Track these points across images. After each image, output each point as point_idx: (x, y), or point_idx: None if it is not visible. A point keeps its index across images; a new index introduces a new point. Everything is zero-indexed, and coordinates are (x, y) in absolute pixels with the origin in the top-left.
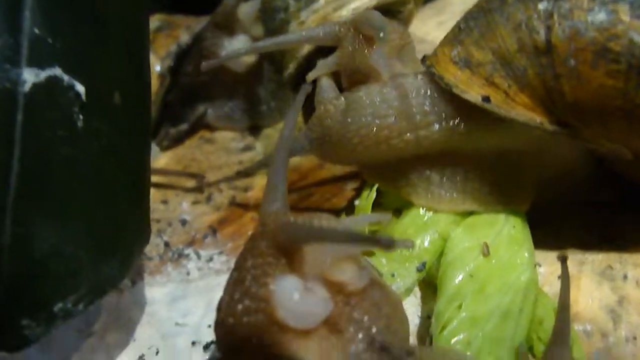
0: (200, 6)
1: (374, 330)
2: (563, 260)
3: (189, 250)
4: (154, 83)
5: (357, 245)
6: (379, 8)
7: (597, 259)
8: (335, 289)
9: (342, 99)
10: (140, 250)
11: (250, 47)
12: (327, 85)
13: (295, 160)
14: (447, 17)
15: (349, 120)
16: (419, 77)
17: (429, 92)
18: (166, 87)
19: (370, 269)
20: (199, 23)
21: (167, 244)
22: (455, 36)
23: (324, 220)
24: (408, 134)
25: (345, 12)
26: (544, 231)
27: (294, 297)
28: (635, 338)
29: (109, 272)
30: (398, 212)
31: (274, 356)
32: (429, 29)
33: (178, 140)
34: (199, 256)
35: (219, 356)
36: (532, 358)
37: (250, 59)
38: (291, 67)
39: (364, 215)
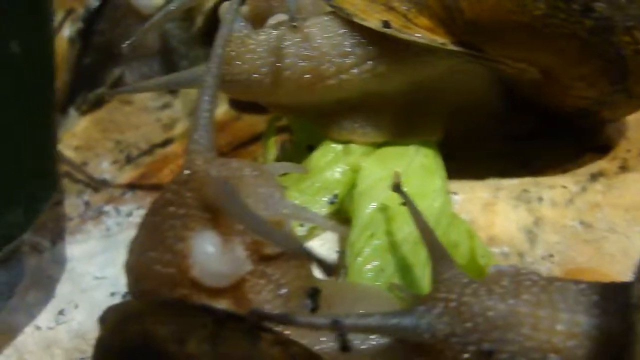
0: None
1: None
2: (396, 188)
3: (108, 208)
4: (64, 47)
5: (270, 240)
6: None
7: (513, 184)
8: (254, 248)
9: (262, 36)
10: (47, 197)
11: (159, 15)
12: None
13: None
14: None
15: (269, 62)
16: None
17: (339, 31)
18: (78, 50)
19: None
20: None
21: (87, 204)
22: None
23: (250, 170)
24: (330, 79)
25: None
26: (460, 161)
27: (211, 255)
28: (551, 255)
29: (13, 219)
30: (310, 148)
31: None
32: None
33: (96, 104)
34: (118, 212)
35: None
36: None
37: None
38: (199, 21)
39: (284, 165)
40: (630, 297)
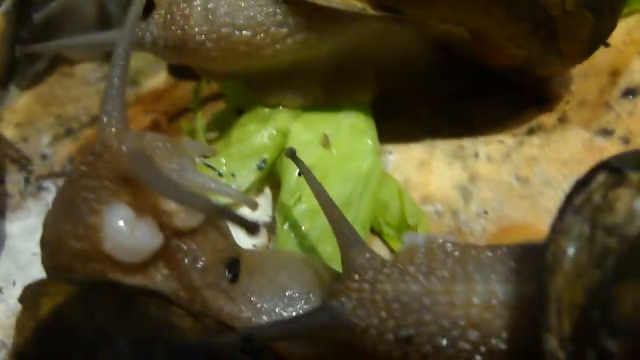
0: None
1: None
2: (291, 154)
3: (47, 183)
4: (0, 22)
5: (189, 205)
6: None
7: (448, 141)
8: (168, 222)
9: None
10: None
11: None
12: None
13: (151, 81)
14: None
15: (204, 30)
16: None
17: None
18: (14, 24)
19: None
20: None
21: (27, 180)
22: None
23: (163, 143)
24: (265, 49)
25: None
26: (396, 121)
27: (123, 230)
28: (486, 212)
29: None
30: (239, 111)
31: None
32: None
33: (37, 79)
34: (57, 187)
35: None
36: (382, 242)
37: None
38: None
39: (196, 144)
40: (544, 259)
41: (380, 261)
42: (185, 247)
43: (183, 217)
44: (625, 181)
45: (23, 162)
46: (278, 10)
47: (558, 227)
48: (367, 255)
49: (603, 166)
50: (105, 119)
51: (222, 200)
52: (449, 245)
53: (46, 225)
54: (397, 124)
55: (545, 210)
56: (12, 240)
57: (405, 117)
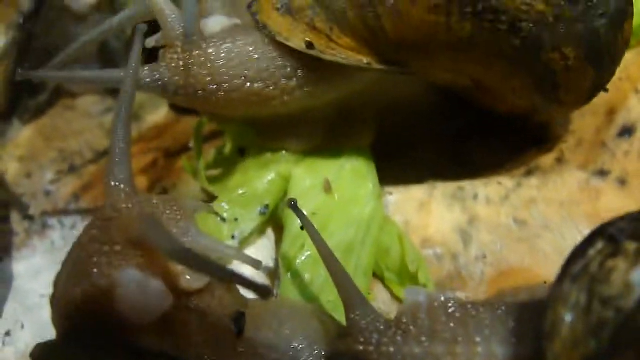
0: None
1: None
2: (293, 206)
3: (52, 221)
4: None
5: (202, 271)
6: None
7: (447, 183)
8: (176, 284)
9: (210, 48)
10: None
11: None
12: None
13: (152, 116)
14: None
15: (216, 80)
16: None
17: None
18: (15, 58)
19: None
20: None
21: (31, 218)
22: None
23: (170, 206)
24: (274, 100)
25: None
26: (395, 162)
27: (134, 292)
28: (485, 256)
29: None
30: (241, 151)
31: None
32: None
33: (39, 112)
34: (62, 225)
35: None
36: (384, 287)
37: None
38: None
39: (200, 204)
40: (543, 325)
41: (383, 323)
42: (192, 307)
43: (190, 279)
44: (622, 251)
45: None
46: (288, 63)
47: (557, 295)
48: (371, 316)
49: (600, 233)
50: (113, 184)
51: None
52: (450, 304)
53: (56, 286)
54: (396, 164)
55: (543, 253)
56: (19, 280)
57: (405, 157)
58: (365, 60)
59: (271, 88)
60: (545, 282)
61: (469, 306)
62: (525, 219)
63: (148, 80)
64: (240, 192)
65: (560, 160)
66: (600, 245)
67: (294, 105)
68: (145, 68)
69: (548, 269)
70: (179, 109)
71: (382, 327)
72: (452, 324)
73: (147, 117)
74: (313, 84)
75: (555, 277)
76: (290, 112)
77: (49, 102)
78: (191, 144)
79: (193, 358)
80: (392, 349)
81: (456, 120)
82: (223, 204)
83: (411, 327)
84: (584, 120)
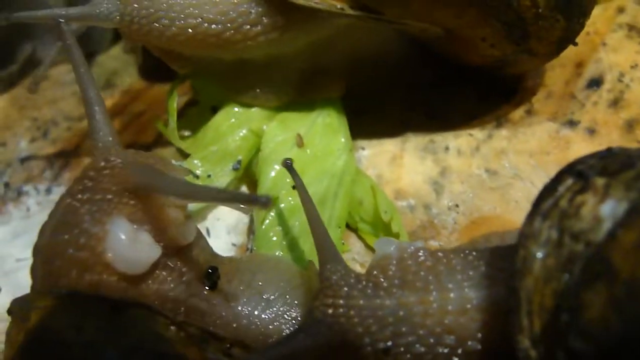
0: None
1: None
2: (288, 166)
3: (27, 187)
4: None
5: (219, 201)
6: None
7: (418, 135)
8: (161, 237)
9: None
10: None
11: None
12: None
13: (125, 83)
14: None
15: (167, 9)
16: None
17: None
18: None
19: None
20: None
21: (6, 185)
22: None
23: (156, 160)
24: (236, 44)
25: None
26: (367, 116)
27: (125, 241)
28: (457, 205)
29: None
30: (214, 109)
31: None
32: None
33: (11, 83)
34: (37, 191)
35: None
36: (358, 238)
37: None
38: None
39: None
40: (514, 263)
41: (354, 277)
42: (171, 265)
43: (180, 234)
44: (591, 186)
45: None
46: (252, 10)
47: (527, 232)
48: (342, 271)
49: (569, 170)
50: (100, 144)
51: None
52: (420, 254)
53: (42, 234)
54: (368, 118)
55: (515, 202)
56: None
57: (376, 112)
58: (338, 5)
59: (231, 32)
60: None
61: (440, 254)
62: (496, 169)
63: (105, 11)
64: (213, 149)
65: (529, 112)
66: (569, 181)
67: (258, 52)
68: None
69: (519, 216)
70: (150, 75)
71: (352, 280)
72: (422, 273)
73: (119, 83)
74: (280, 30)
75: (525, 215)
76: (256, 59)
77: (21, 72)
78: (165, 108)
79: (168, 311)
80: (362, 302)
81: (426, 72)
82: (196, 161)
83: (381, 279)
84: (553, 73)
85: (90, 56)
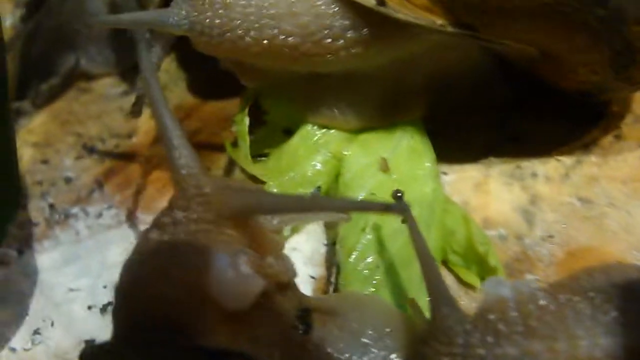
0: None
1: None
2: (398, 198)
3: (76, 209)
4: (7, 37)
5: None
6: None
7: (503, 160)
8: (259, 267)
9: None
10: (10, 215)
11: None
12: None
13: (176, 99)
14: None
15: (250, 17)
16: None
17: (328, 9)
18: (24, 39)
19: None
20: None
21: (52, 206)
22: None
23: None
24: (314, 57)
25: None
26: (446, 137)
27: (231, 274)
28: (551, 236)
29: None
30: (287, 131)
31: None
32: None
33: (52, 96)
34: (87, 214)
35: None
36: (448, 271)
37: None
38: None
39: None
40: None
41: (471, 322)
42: (267, 305)
43: (284, 266)
44: None
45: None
46: (336, 22)
47: None
48: (457, 315)
49: None
50: (184, 172)
51: None
52: (540, 296)
53: (128, 272)
54: (447, 139)
55: (611, 232)
56: (44, 274)
57: (456, 133)
58: (438, 21)
59: (309, 45)
60: (618, 262)
61: (562, 297)
62: (589, 197)
63: (175, 18)
64: (291, 175)
65: (618, 137)
66: None
67: (337, 67)
68: (174, 7)
69: (618, 247)
70: (203, 90)
71: (469, 326)
72: (547, 318)
73: (170, 98)
74: (364, 44)
75: None
76: (334, 75)
77: (62, 85)
78: (234, 128)
79: (264, 358)
80: (482, 351)
81: (507, 91)
82: (273, 189)
83: (501, 326)
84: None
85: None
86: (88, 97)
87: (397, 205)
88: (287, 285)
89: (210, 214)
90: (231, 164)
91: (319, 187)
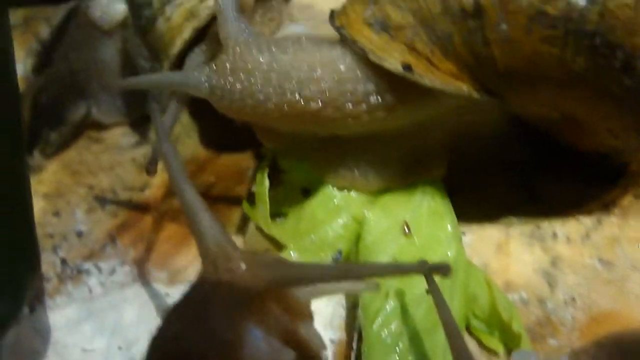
0: None
1: None
2: (427, 269)
3: (88, 265)
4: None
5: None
6: None
7: (523, 220)
8: (292, 336)
9: (264, 45)
10: (32, 279)
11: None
12: (234, 20)
13: (189, 150)
14: None
15: (271, 83)
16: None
17: (350, 74)
18: (35, 89)
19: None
20: (57, 13)
21: (63, 261)
22: None
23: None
24: (334, 121)
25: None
26: (464, 197)
27: (264, 348)
28: (574, 299)
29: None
30: (305, 191)
31: None
32: None
33: (62, 145)
34: (100, 270)
35: None
36: (470, 336)
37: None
38: (165, 66)
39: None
40: None
41: None
42: None
43: (314, 340)
44: None
45: None
46: (359, 88)
47: None
48: None
49: None
50: (213, 248)
51: None
52: None
53: (160, 350)
54: (467, 200)
55: (634, 295)
56: (57, 333)
57: (475, 192)
58: (465, 88)
59: (329, 110)
60: None
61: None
62: (610, 260)
63: (196, 82)
64: (311, 238)
65: (638, 196)
66: None
67: (358, 129)
68: (195, 70)
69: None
70: (215, 142)
71: None
72: None
73: (182, 151)
74: (387, 109)
75: None
76: (354, 136)
77: (73, 134)
78: (253, 188)
79: None
80: None
81: (525, 150)
82: (292, 252)
83: None
84: None
85: (148, 119)
86: (99, 147)
87: (442, 266)
88: (315, 357)
89: (241, 287)
90: (245, 220)
91: (339, 251)
